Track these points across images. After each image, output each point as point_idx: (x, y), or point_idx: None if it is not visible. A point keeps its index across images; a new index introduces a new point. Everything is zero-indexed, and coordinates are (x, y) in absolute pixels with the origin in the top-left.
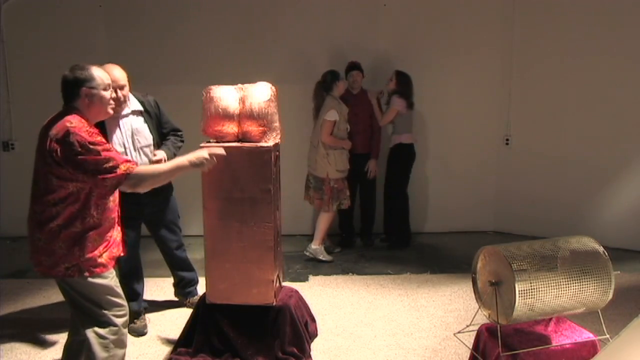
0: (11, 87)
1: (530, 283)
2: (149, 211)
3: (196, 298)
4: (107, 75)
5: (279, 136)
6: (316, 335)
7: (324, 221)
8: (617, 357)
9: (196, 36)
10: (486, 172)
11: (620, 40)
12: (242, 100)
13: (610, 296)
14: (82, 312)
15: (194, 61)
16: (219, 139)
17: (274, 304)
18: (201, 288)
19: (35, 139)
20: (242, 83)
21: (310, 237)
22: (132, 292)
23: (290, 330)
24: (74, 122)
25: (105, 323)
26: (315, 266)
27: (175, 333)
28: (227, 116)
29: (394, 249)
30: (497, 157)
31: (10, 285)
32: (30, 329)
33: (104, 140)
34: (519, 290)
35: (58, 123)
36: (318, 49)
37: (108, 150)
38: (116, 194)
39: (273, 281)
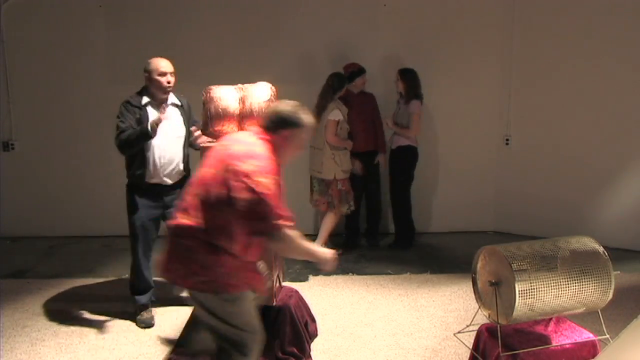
0: (11, 87)
1: (530, 283)
2: (169, 199)
3: None
4: None
5: None
6: (316, 335)
7: (330, 222)
8: (618, 358)
9: (196, 36)
10: (486, 172)
11: (620, 41)
12: (242, 100)
13: (610, 296)
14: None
15: (194, 61)
16: (219, 139)
17: (274, 304)
18: None
19: (35, 139)
20: (242, 83)
21: (310, 237)
22: (147, 285)
23: (290, 330)
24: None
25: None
26: (315, 266)
27: (175, 333)
28: (227, 116)
29: (397, 248)
30: (497, 157)
31: (10, 285)
32: (30, 329)
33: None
34: (519, 290)
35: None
36: (318, 49)
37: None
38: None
39: (273, 281)
